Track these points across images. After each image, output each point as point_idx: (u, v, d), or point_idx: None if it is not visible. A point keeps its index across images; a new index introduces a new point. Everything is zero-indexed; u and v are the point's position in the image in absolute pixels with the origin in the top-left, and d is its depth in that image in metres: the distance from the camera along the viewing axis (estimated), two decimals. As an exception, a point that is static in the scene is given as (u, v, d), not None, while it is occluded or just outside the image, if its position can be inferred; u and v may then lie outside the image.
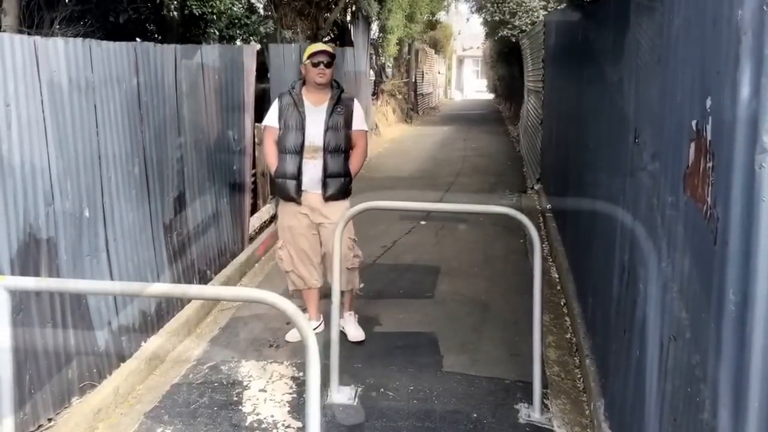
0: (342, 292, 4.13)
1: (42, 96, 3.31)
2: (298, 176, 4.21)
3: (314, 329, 4.30)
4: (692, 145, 1.95)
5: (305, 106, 4.23)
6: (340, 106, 4.28)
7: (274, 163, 4.30)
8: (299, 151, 4.19)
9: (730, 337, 1.60)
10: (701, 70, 1.93)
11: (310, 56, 4.19)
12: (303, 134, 4.18)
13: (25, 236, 3.20)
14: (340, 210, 4.22)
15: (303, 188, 4.23)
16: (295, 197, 4.25)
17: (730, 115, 1.60)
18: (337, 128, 4.23)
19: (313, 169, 4.21)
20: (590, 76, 4.76)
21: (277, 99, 4.36)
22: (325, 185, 4.23)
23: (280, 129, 4.25)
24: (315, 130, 4.20)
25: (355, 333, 4.51)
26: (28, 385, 3.20)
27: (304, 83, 4.32)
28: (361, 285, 4.66)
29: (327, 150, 4.20)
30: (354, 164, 4.36)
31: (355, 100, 4.42)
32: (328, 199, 4.25)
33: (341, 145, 4.24)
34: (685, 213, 2.02)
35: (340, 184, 4.27)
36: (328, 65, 4.20)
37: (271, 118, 4.32)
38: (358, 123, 4.36)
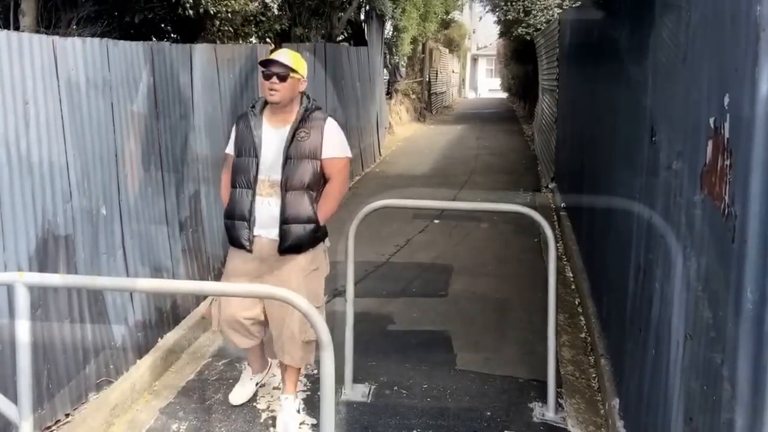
0: (285, 366, 3.49)
1: (60, 95, 3.34)
2: (249, 217, 3.29)
3: (258, 383, 3.82)
4: (710, 143, 1.94)
5: (262, 129, 3.32)
6: (305, 129, 3.29)
7: (225, 198, 3.45)
8: (251, 186, 3.28)
9: (748, 335, 1.59)
10: (719, 67, 1.91)
11: (261, 65, 3.29)
12: (257, 164, 3.28)
13: (43, 233, 3.24)
14: (297, 269, 3.32)
15: (256, 233, 3.30)
16: (244, 244, 3.31)
17: (749, 113, 1.59)
18: (299, 158, 3.26)
19: (267, 210, 3.27)
20: (605, 74, 4.73)
21: (236, 121, 3.51)
22: (281, 233, 3.26)
23: (235, 157, 3.40)
24: (272, 161, 3.28)
25: (288, 423, 3.46)
26: (46, 381, 3.24)
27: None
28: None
29: (285, 187, 3.25)
30: (325, 206, 3.34)
31: (330, 120, 3.38)
32: (284, 251, 3.28)
33: (305, 181, 3.26)
34: (703, 211, 2.01)
35: (302, 233, 3.27)
36: (282, 78, 3.22)
37: (229, 144, 3.49)
38: (332, 149, 3.33)
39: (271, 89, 3.23)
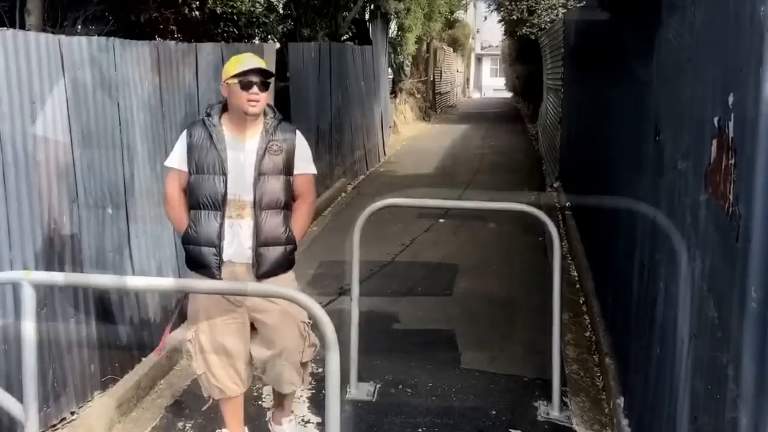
0: (282, 395, 3.26)
1: (66, 94, 3.36)
2: (218, 242, 2.91)
3: None
4: (714, 142, 1.94)
5: (226, 142, 2.93)
6: (277, 141, 2.97)
7: (182, 222, 3.00)
8: (219, 207, 2.90)
9: (752, 334, 1.59)
10: (723, 67, 1.91)
11: (239, 74, 2.87)
12: (225, 183, 2.90)
13: (49, 232, 3.25)
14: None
15: (225, 258, 2.94)
16: (214, 272, 2.93)
17: (753, 112, 1.59)
18: (272, 174, 2.95)
19: (239, 233, 2.93)
20: (610, 74, 4.73)
21: (185, 131, 3.04)
22: (257, 257, 2.94)
23: (190, 174, 2.96)
24: (241, 178, 2.92)
25: None
26: (52, 380, 3.26)
27: (225, 108, 3.02)
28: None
29: (260, 206, 2.92)
30: (299, 224, 3.06)
31: (298, 132, 3.09)
32: (262, 276, 2.96)
33: (280, 199, 2.96)
34: (707, 210, 2.01)
35: (279, 255, 2.98)
36: (263, 86, 2.90)
37: (175, 157, 3.02)
38: (305, 164, 3.07)
39: (253, 100, 2.88)
